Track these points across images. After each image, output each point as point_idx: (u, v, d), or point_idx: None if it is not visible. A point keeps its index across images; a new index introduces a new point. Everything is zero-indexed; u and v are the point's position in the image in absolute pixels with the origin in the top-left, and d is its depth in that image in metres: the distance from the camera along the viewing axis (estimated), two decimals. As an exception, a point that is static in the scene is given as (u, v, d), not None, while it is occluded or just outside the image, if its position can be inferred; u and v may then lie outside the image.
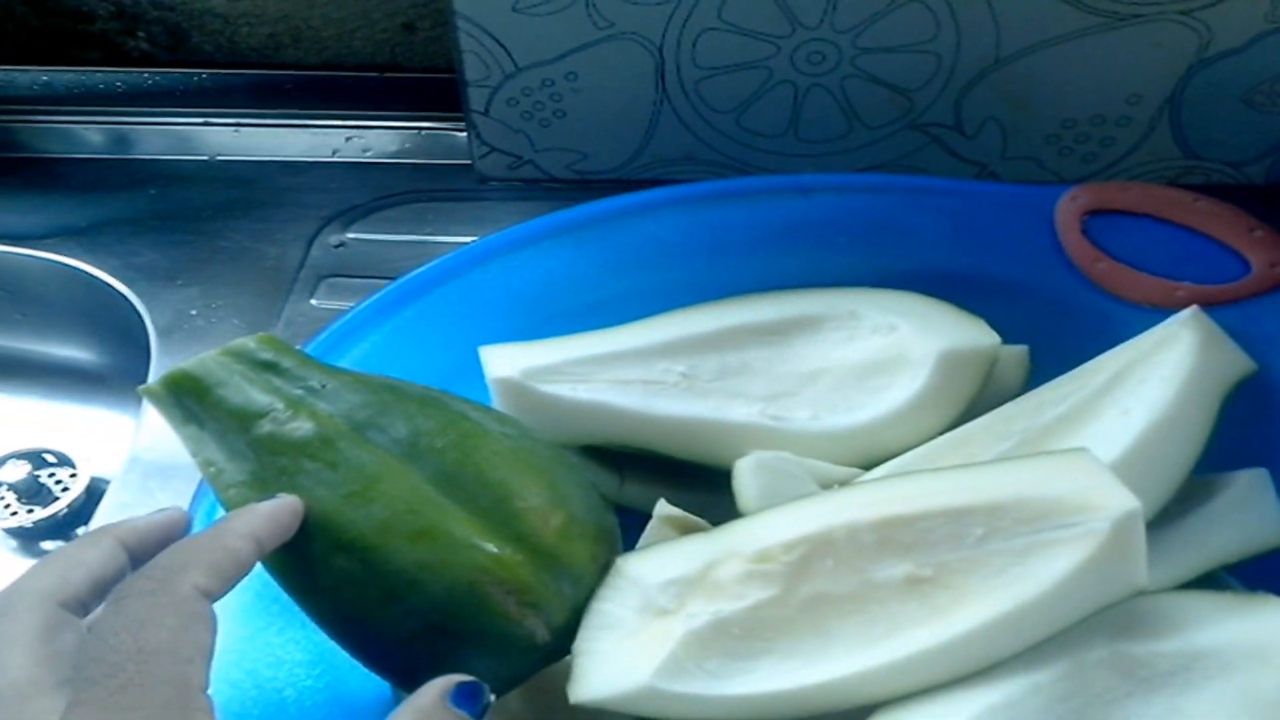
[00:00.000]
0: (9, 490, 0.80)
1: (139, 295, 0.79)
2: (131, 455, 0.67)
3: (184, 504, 0.48)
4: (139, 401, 0.70)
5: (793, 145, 0.80)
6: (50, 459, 0.82)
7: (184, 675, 0.34)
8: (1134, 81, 0.74)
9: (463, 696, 0.39)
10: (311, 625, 0.45)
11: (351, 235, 0.82)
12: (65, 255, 0.81)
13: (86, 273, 0.81)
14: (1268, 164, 0.78)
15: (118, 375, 0.85)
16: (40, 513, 0.79)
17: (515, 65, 0.77)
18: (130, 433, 0.69)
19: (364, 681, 0.47)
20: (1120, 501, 0.43)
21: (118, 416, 0.85)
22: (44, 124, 0.90)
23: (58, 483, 0.81)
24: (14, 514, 0.79)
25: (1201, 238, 0.57)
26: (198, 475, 0.48)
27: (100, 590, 0.39)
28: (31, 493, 0.80)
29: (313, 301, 0.77)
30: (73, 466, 0.82)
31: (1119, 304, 0.58)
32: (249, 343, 0.48)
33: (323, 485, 0.44)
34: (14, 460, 0.81)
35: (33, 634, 0.35)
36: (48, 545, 0.80)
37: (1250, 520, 0.52)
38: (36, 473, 0.81)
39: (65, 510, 0.79)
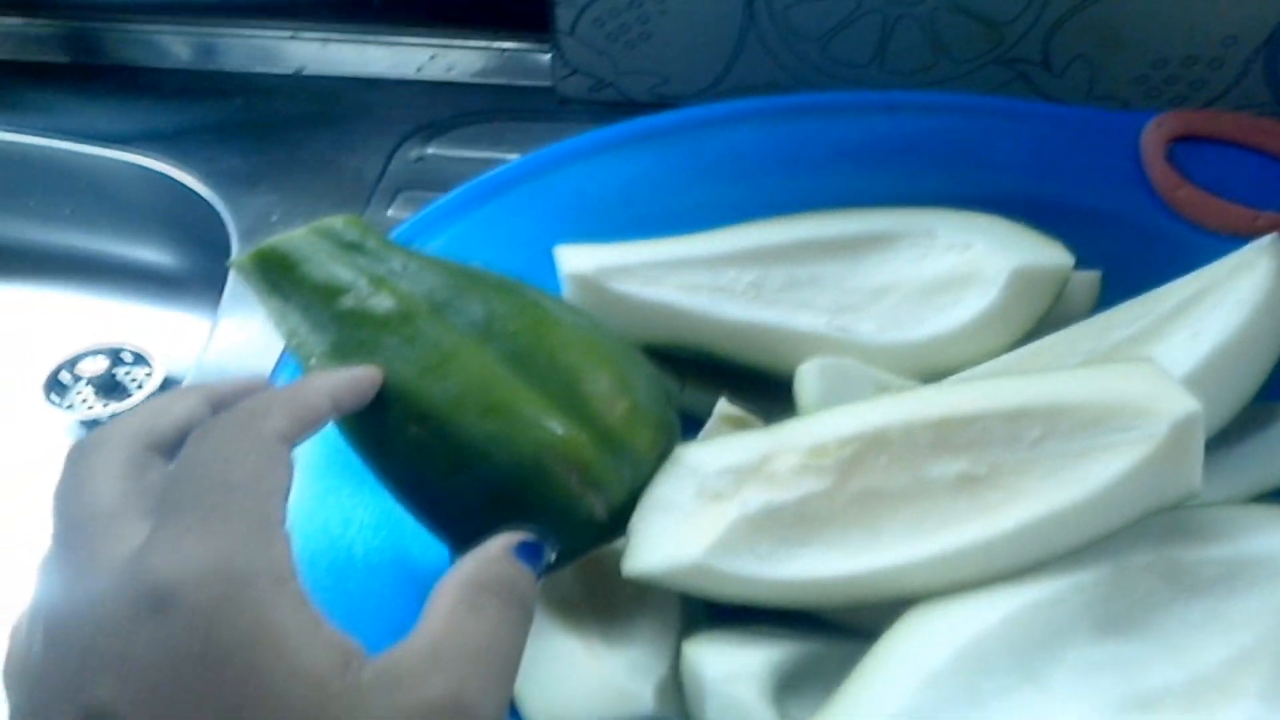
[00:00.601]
0: (87, 384, 0.84)
1: (222, 200, 0.82)
2: (203, 355, 0.71)
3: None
4: (216, 304, 0.74)
5: (877, 76, 0.81)
6: (127, 357, 0.86)
7: (265, 508, 0.35)
8: (1230, 23, 0.75)
9: (525, 552, 0.41)
10: (380, 489, 0.48)
11: (431, 150, 0.84)
12: (151, 159, 0.85)
13: (171, 177, 0.84)
14: (1367, 113, 0.78)
15: (198, 278, 0.88)
16: (115, 406, 0.83)
17: (605, -15, 0.79)
18: (207, 335, 0.72)
19: (426, 546, 0.50)
20: (1182, 405, 0.44)
21: (196, 319, 0.88)
22: (133, 32, 0.94)
23: (133, 380, 0.85)
24: (90, 407, 0.83)
25: (1287, 167, 0.58)
26: (259, 375, 0.50)
27: (184, 439, 0.41)
28: (108, 388, 0.84)
29: (389, 212, 0.80)
30: (149, 365, 0.86)
31: (1199, 232, 0.59)
32: (336, 222, 0.51)
33: (400, 358, 0.47)
34: (93, 355, 0.85)
35: (120, 467, 0.37)
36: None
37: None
38: (114, 369, 0.85)
39: (139, 406, 0.83)
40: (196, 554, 0.33)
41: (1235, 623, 0.45)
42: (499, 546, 0.40)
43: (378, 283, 0.48)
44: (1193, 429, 0.44)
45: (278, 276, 0.49)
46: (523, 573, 0.39)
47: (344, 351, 0.48)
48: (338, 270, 0.49)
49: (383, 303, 0.48)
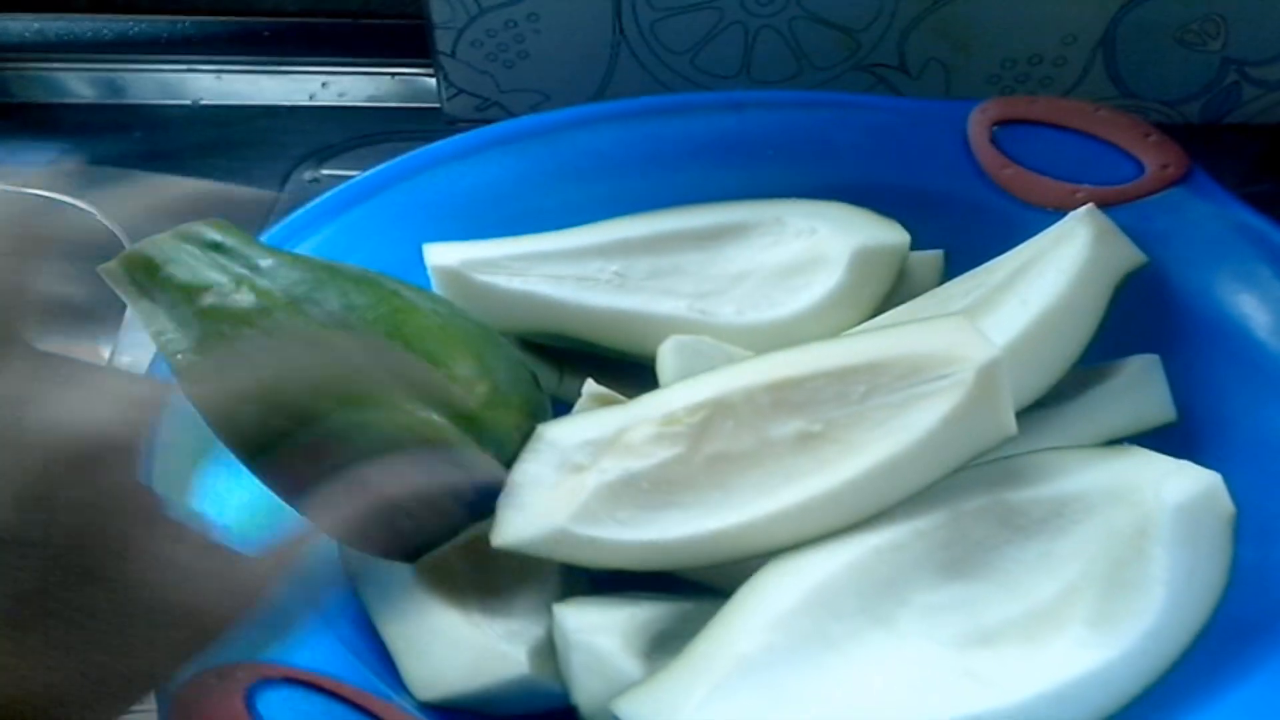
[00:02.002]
0: None
1: (124, 229, 0.83)
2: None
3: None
4: (115, 334, 0.75)
5: (746, 85, 0.84)
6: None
7: None
8: (1067, 22, 0.78)
9: None
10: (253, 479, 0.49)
11: (325, 172, 0.86)
12: (54, 194, 0.86)
13: (75, 208, 0.85)
14: (1202, 102, 0.82)
15: (102, 305, 0.89)
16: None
17: (479, 7, 0.81)
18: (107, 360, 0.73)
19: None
20: (983, 351, 0.47)
21: (100, 349, 0.89)
22: (36, 70, 0.94)
23: (43, 407, 0.85)
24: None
25: (1100, 143, 0.61)
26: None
27: None
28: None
29: (280, 229, 0.81)
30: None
31: (1025, 208, 0.61)
32: (198, 225, 0.52)
33: (260, 351, 0.48)
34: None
35: None
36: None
37: (1140, 399, 0.56)
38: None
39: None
40: None
41: (1063, 558, 0.48)
42: None
43: (238, 280, 0.49)
44: (996, 373, 0.46)
45: (144, 279, 0.50)
46: None
47: (207, 346, 0.48)
48: (201, 270, 0.50)
49: (243, 298, 0.49)
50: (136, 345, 0.73)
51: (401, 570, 0.53)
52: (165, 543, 0.36)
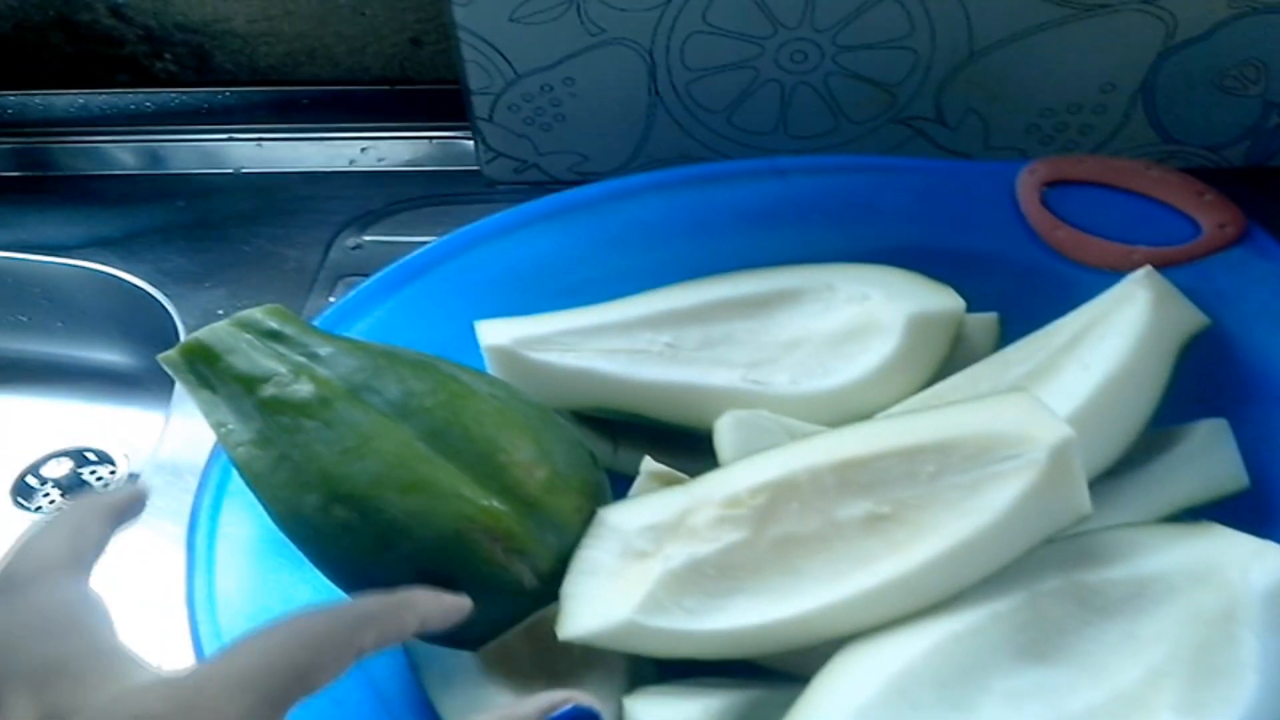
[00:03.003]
0: (54, 486, 0.83)
1: (169, 298, 0.81)
2: (157, 449, 0.70)
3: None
4: (169, 398, 0.73)
5: (783, 142, 0.82)
6: (91, 456, 0.85)
7: None
8: (1106, 70, 0.76)
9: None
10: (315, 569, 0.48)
11: (367, 238, 0.84)
12: (100, 264, 0.84)
13: (120, 279, 0.83)
14: (1245, 146, 0.80)
15: (151, 375, 0.87)
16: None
17: (515, 73, 0.80)
18: (161, 429, 0.72)
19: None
20: (1055, 431, 0.45)
21: (152, 415, 0.88)
22: (80, 144, 0.93)
23: (98, 478, 0.84)
24: (58, 508, 0.82)
25: (1154, 203, 0.59)
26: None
27: None
28: (74, 487, 0.83)
29: (331, 299, 0.79)
30: (112, 463, 0.85)
31: (1079, 269, 0.59)
32: (256, 313, 0.50)
33: (321, 442, 0.47)
34: (57, 458, 0.84)
35: None
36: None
37: (1210, 466, 0.53)
38: (79, 469, 0.84)
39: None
40: None
41: (1146, 640, 0.45)
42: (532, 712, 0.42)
43: (297, 369, 0.48)
44: (1069, 453, 0.44)
45: (204, 369, 0.49)
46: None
47: (268, 438, 0.47)
48: (259, 359, 0.48)
49: (302, 389, 0.47)
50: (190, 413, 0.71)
51: (465, 659, 0.51)
52: None
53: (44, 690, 0.35)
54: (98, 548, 0.42)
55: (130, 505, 0.45)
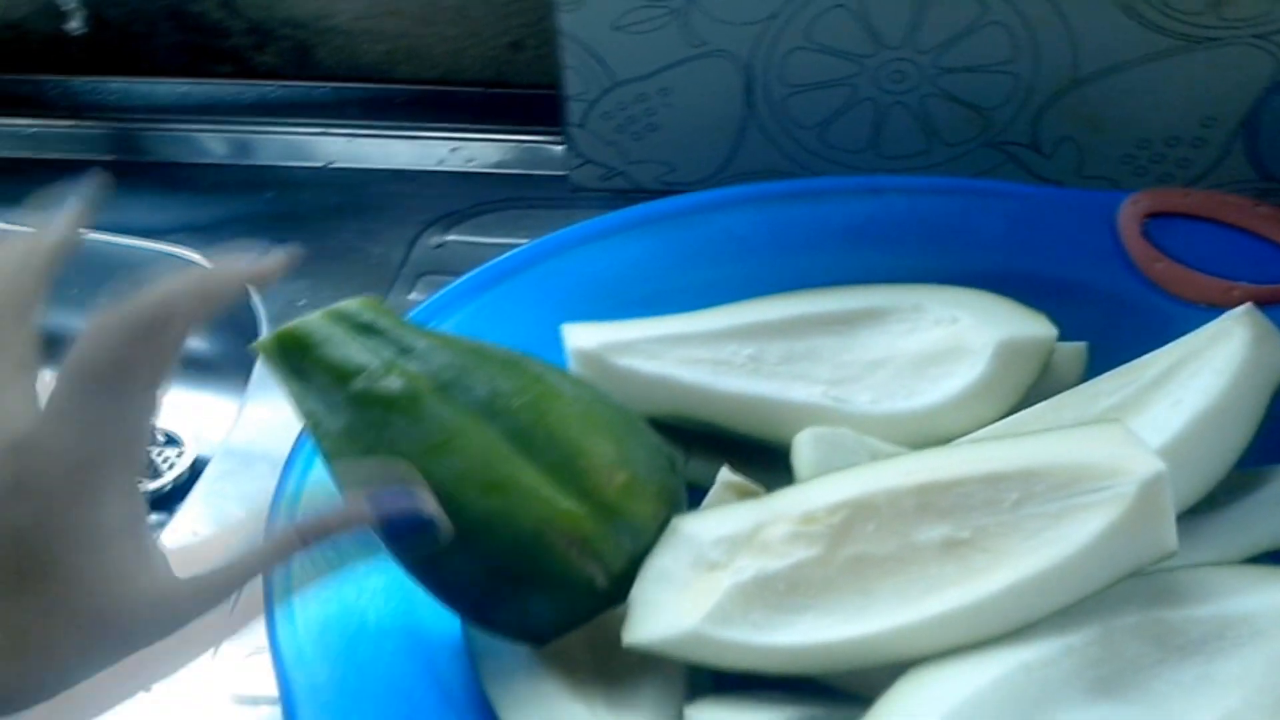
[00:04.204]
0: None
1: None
2: (230, 435, 0.71)
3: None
4: (244, 387, 0.75)
5: (873, 161, 0.82)
6: (159, 437, 0.87)
7: None
8: (1208, 104, 0.76)
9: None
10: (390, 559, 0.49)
11: (451, 238, 0.86)
12: (186, 249, 0.86)
13: (204, 266, 0.86)
14: (1346, 188, 0.79)
15: (228, 362, 0.89)
16: (147, 486, 0.83)
17: (613, 80, 0.81)
18: (234, 416, 0.73)
19: (435, 614, 0.49)
20: (1147, 465, 0.44)
21: (225, 401, 0.89)
22: (175, 131, 0.96)
23: (165, 460, 0.86)
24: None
25: (1258, 240, 0.58)
26: (285, 455, 0.54)
27: None
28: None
29: (412, 296, 0.81)
30: (180, 445, 0.86)
31: (1177, 303, 0.59)
32: (351, 304, 0.51)
33: (407, 438, 0.47)
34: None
35: None
36: (151, 518, 0.84)
37: (1298, 510, 0.53)
38: (147, 449, 0.85)
39: (170, 485, 0.83)
40: None
41: (1223, 684, 0.44)
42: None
43: (388, 364, 0.49)
44: (1160, 488, 0.44)
45: (297, 359, 0.50)
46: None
47: (356, 432, 0.48)
48: (351, 352, 0.49)
49: (392, 384, 0.48)
50: (265, 397, 0.73)
51: (524, 655, 0.51)
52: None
53: None
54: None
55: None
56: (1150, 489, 0.44)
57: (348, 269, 0.84)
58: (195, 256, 0.85)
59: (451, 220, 0.87)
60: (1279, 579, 0.46)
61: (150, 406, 0.39)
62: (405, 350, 0.50)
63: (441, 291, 0.62)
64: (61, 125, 0.97)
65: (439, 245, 0.85)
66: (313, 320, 0.50)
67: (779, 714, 0.47)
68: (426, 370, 0.49)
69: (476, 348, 0.51)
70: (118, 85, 0.97)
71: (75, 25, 0.91)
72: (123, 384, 0.38)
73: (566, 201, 0.88)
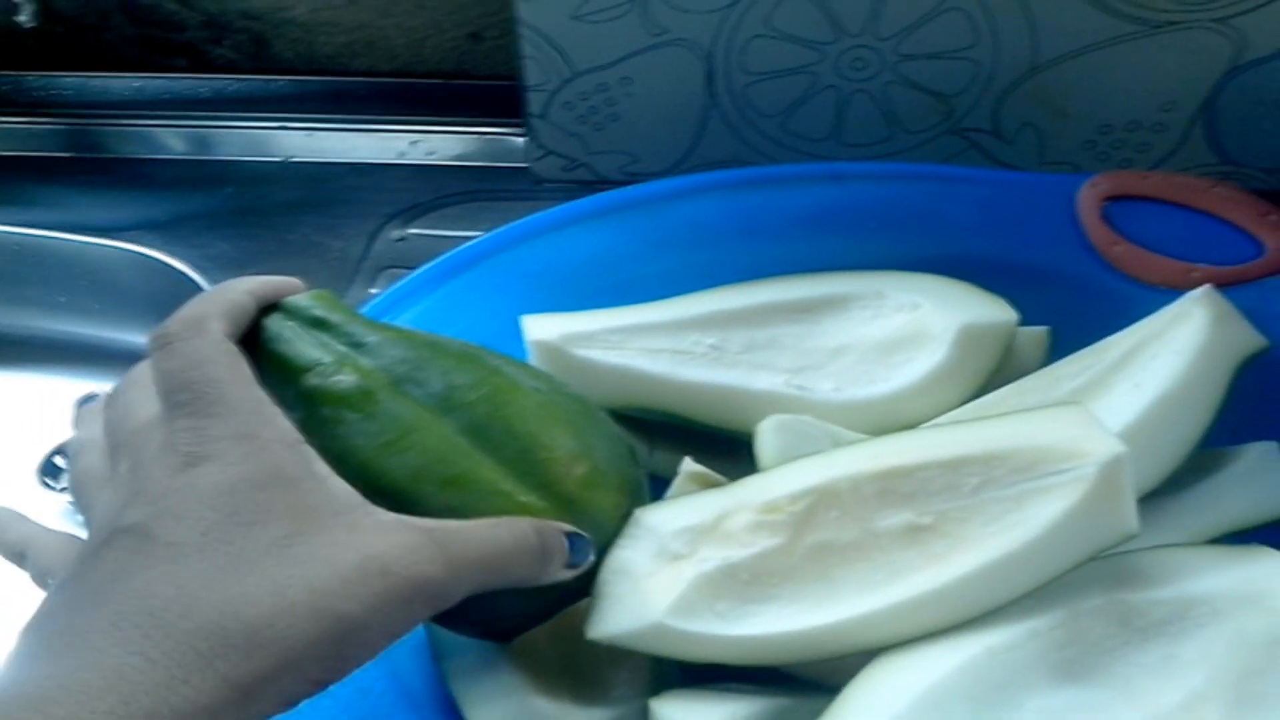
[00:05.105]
0: (77, 447, 0.84)
1: (211, 283, 0.82)
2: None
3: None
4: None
5: (836, 149, 0.82)
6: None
7: (252, 391, 0.41)
8: (1168, 88, 0.76)
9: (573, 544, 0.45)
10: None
11: (412, 231, 0.85)
12: (145, 247, 0.86)
13: (163, 262, 0.85)
14: (1307, 171, 0.79)
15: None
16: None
17: (572, 70, 0.81)
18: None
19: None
20: (1107, 447, 0.44)
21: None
22: (131, 127, 0.95)
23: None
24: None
25: (1216, 221, 0.59)
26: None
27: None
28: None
29: (373, 290, 0.80)
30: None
31: (1136, 285, 0.59)
32: (302, 299, 0.51)
33: (361, 435, 0.47)
34: (84, 404, 0.85)
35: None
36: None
37: (1260, 490, 0.53)
38: (108, 451, 0.85)
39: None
40: (222, 433, 0.39)
41: (1187, 663, 0.45)
42: (555, 530, 0.45)
43: (340, 359, 0.48)
44: (1120, 470, 0.44)
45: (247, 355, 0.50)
46: (562, 549, 0.45)
47: (310, 429, 0.47)
48: (303, 348, 0.48)
49: (344, 380, 0.47)
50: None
51: (488, 652, 0.51)
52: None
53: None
54: (246, 312, 0.46)
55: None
56: (1110, 470, 0.44)
57: (308, 264, 0.84)
58: (154, 254, 0.85)
59: (413, 214, 0.87)
60: (1239, 559, 0.46)
61: None
62: (357, 345, 0.49)
63: (399, 283, 0.61)
64: (15, 121, 0.96)
65: (401, 239, 0.85)
66: (264, 317, 0.50)
67: (746, 706, 0.47)
68: (380, 365, 0.48)
69: (431, 341, 0.51)
70: (72, 81, 0.97)
71: (25, 19, 0.90)
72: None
73: (529, 193, 0.87)
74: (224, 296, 0.45)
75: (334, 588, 0.36)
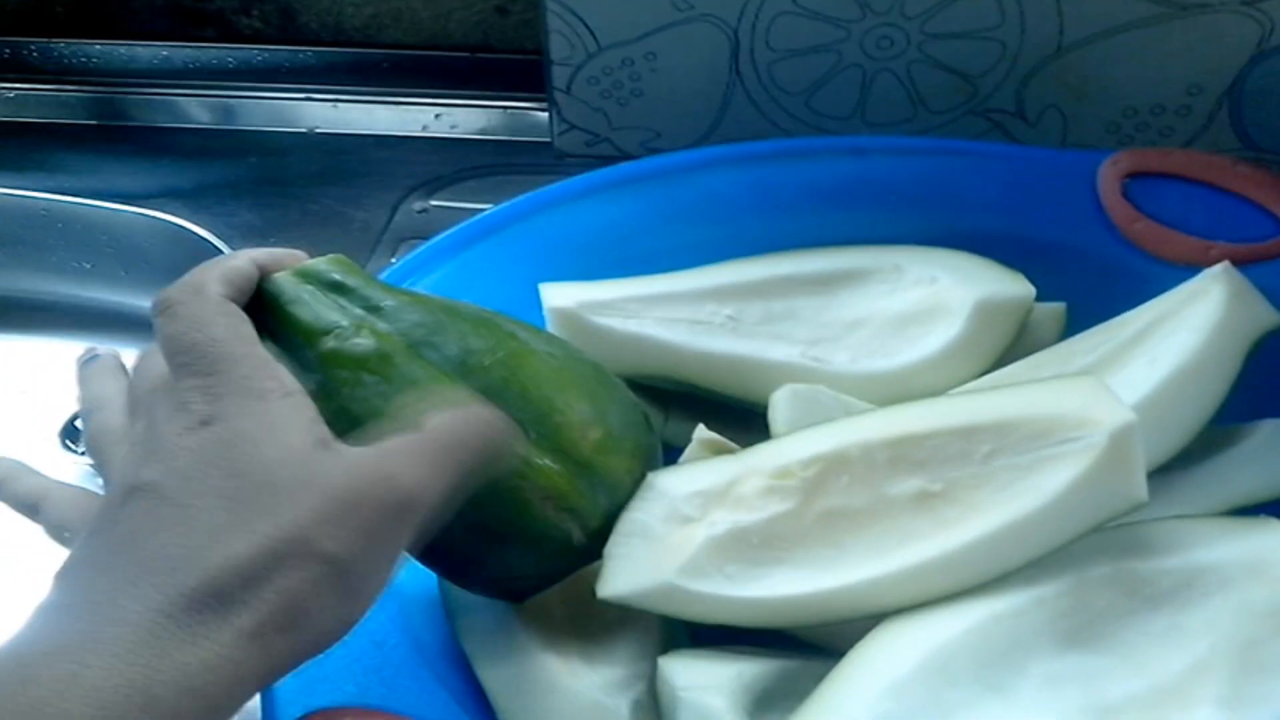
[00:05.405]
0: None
1: (234, 251, 0.84)
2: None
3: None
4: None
5: (859, 128, 0.82)
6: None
7: (254, 350, 0.42)
8: (1194, 72, 0.76)
9: None
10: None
11: (434, 203, 0.86)
12: (170, 214, 0.86)
13: (187, 230, 0.85)
14: (1331, 157, 0.79)
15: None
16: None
17: (598, 45, 0.81)
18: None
19: (411, 571, 0.50)
20: (1118, 415, 0.45)
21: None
22: (157, 95, 0.96)
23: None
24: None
25: (1237, 199, 0.59)
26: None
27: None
28: (123, 432, 0.85)
29: (394, 260, 0.81)
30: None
31: (1155, 263, 0.60)
32: (320, 263, 0.51)
33: (378, 397, 0.47)
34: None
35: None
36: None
37: (1272, 465, 0.53)
38: (130, 414, 0.86)
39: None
40: (227, 389, 0.40)
41: (1192, 632, 0.45)
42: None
43: (358, 323, 0.49)
44: (1129, 439, 0.44)
45: (265, 318, 0.49)
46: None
47: (328, 391, 0.47)
48: (322, 311, 0.49)
49: (362, 343, 0.48)
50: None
51: (500, 611, 0.52)
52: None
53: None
54: (246, 276, 0.47)
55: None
56: (1120, 439, 0.44)
57: (330, 234, 0.84)
58: (179, 222, 0.86)
59: (435, 186, 0.88)
60: (1245, 530, 0.47)
61: None
62: (374, 309, 0.49)
63: (418, 249, 0.62)
64: (43, 89, 0.97)
65: (422, 211, 0.86)
66: (280, 279, 0.50)
67: (753, 666, 0.48)
68: (397, 329, 0.49)
69: (448, 306, 0.51)
70: (100, 49, 0.98)
71: (55, -15, 0.91)
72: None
73: (551, 168, 0.88)
74: (224, 262, 0.46)
75: (315, 532, 0.37)
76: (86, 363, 0.51)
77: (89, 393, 0.48)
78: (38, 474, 0.48)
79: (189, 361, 0.41)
